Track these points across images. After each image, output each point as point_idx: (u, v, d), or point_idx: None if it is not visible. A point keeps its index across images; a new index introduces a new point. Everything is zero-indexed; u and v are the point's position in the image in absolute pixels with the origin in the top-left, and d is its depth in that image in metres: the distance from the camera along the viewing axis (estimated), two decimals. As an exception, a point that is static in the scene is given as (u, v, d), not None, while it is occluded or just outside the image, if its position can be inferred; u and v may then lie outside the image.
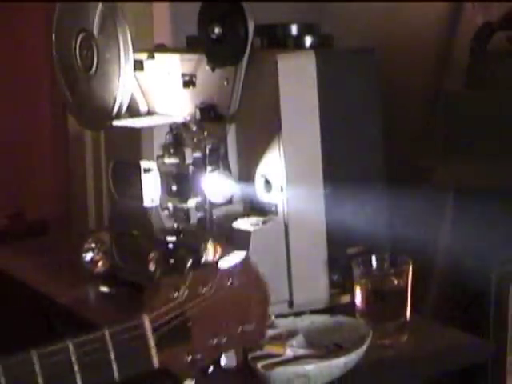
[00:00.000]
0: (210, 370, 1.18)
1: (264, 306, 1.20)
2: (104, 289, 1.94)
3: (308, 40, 1.78)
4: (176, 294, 1.14)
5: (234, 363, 1.22)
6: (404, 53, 2.27)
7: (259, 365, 1.53)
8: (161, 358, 1.12)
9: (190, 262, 1.18)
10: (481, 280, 1.86)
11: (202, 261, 1.18)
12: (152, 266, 1.43)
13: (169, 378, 1.19)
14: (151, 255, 1.47)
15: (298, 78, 1.72)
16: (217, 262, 1.18)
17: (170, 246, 1.57)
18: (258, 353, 1.55)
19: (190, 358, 1.14)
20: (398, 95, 2.09)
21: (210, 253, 1.20)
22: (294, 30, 1.81)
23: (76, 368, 1.09)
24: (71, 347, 1.10)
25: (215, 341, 1.16)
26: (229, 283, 1.17)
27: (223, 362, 1.21)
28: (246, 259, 1.24)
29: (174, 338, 1.13)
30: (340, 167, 1.75)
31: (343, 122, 1.77)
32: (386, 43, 2.00)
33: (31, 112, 2.58)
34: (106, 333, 1.10)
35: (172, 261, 1.22)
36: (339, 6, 2.35)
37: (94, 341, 1.09)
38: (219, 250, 1.21)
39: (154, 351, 1.12)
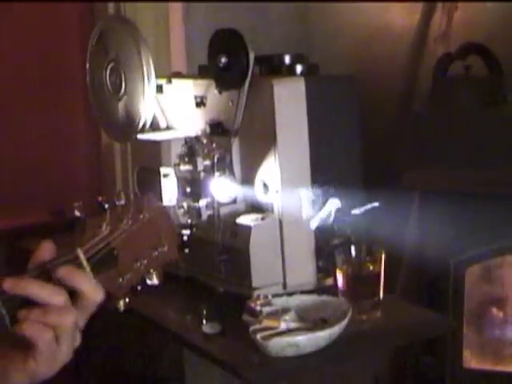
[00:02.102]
0: (139, 288, 1.15)
1: (171, 231, 1.19)
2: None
3: (298, 68, 1.78)
4: (100, 230, 1.12)
5: (156, 281, 1.18)
6: (379, 79, 2.26)
7: (258, 336, 1.55)
8: (97, 281, 1.10)
9: (107, 206, 1.16)
10: (441, 267, 1.86)
11: (118, 203, 1.16)
12: None
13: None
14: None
15: (290, 100, 1.72)
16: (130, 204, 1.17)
17: (185, 238, 1.61)
18: (258, 326, 1.57)
19: (120, 279, 1.13)
20: (374, 114, 2.08)
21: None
22: (286, 59, 1.81)
23: None
24: None
25: (138, 263, 1.14)
26: (141, 217, 1.15)
27: (148, 281, 1.17)
28: (152, 199, 1.21)
29: (104, 265, 1.11)
30: (325, 173, 1.75)
31: (328, 136, 1.76)
32: (364, 70, 2.00)
33: (71, 127, 2.56)
34: (50, 265, 1.08)
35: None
36: (324, 39, 2.33)
37: (42, 273, 1.08)
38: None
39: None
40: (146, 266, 1.15)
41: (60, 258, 1.08)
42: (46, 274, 1.08)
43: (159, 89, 1.88)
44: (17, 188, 2.49)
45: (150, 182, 1.86)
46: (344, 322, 1.56)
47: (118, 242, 1.12)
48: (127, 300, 1.14)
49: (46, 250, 1.10)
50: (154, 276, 1.17)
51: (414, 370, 1.83)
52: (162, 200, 1.36)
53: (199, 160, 1.74)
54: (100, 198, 1.15)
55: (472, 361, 1.92)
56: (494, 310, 1.97)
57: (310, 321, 1.61)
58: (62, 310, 1.06)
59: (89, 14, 2.42)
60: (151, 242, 1.15)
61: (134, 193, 1.31)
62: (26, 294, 1.05)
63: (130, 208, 1.14)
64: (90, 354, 1.87)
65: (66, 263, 1.08)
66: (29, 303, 1.06)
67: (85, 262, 1.09)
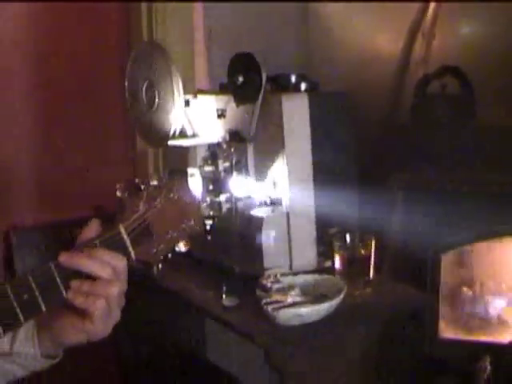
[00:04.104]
0: (169, 256, 1.15)
1: (196, 207, 1.17)
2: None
3: (302, 85, 1.79)
4: (138, 209, 1.10)
5: (183, 249, 1.19)
6: (369, 95, 2.25)
7: (269, 308, 1.56)
8: (135, 252, 1.09)
9: (143, 187, 1.13)
10: (421, 251, 1.83)
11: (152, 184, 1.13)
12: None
13: None
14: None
15: (296, 112, 1.73)
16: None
17: (208, 227, 1.61)
18: (269, 300, 1.60)
19: (154, 250, 1.12)
20: (365, 124, 2.07)
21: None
22: (292, 78, 1.81)
23: None
24: None
25: (169, 235, 1.13)
26: (171, 196, 1.13)
27: (177, 249, 1.17)
28: (180, 181, 1.19)
29: (142, 238, 1.09)
30: (324, 174, 1.76)
31: (327, 142, 1.77)
32: (357, 88, 2.00)
33: (112, 135, 2.55)
34: (97, 242, 1.06)
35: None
36: (323, 62, 2.32)
37: (91, 248, 1.07)
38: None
39: (130, 249, 1.08)
40: (176, 237, 1.14)
41: (105, 234, 1.08)
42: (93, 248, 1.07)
43: (186, 103, 1.86)
44: (66, 187, 2.46)
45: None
46: (340, 297, 1.58)
47: (152, 218, 1.11)
48: (160, 267, 1.16)
49: (93, 228, 1.09)
50: (182, 245, 1.17)
51: (398, 338, 1.77)
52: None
53: (220, 162, 1.74)
54: (136, 180, 1.15)
55: (446, 331, 1.89)
56: (465, 289, 1.94)
57: (312, 295, 1.62)
58: (109, 281, 1.05)
59: (125, 39, 2.40)
60: (180, 217, 1.14)
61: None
62: (79, 267, 1.04)
63: (162, 189, 1.13)
64: (126, 324, 1.89)
65: (110, 238, 1.07)
66: (80, 273, 1.05)
67: (126, 237, 1.08)
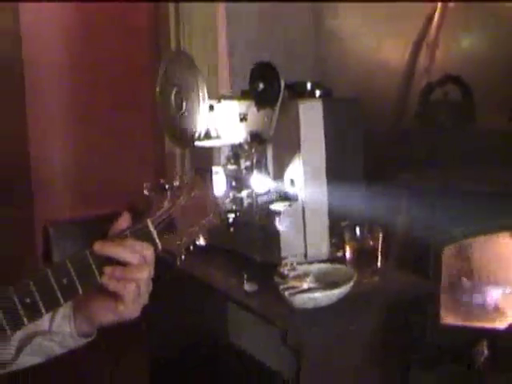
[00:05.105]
0: (191, 248, 1.16)
1: (214, 204, 1.19)
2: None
3: (317, 92, 1.79)
4: (163, 205, 1.12)
5: (203, 243, 1.18)
6: (378, 101, 2.24)
7: (286, 293, 1.58)
8: (162, 244, 1.11)
9: (167, 187, 1.15)
10: (424, 244, 1.84)
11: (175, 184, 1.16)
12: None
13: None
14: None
15: (311, 116, 1.73)
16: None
17: (230, 220, 1.63)
18: (286, 285, 1.60)
19: (178, 242, 1.13)
20: (374, 128, 2.04)
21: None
22: (308, 85, 1.81)
23: None
24: None
25: (191, 229, 1.15)
26: (192, 194, 1.15)
27: (199, 243, 1.18)
28: (200, 181, 1.22)
29: (167, 231, 1.11)
30: (336, 172, 1.75)
31: (339, 144, 1.77)
32: (366, 95, 1.99)
33: (142, 138, 2.56)
34: (127, 232, 1.08)
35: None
36: (336, 71, 2.31)
37: (122, 238, 1.08)
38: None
39: (157, 240, 1.10)
40: (197, 231, 1.16)
41: (134, 226, 1.10)
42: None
43: (211, 108, 1.86)
44: (100, 185, 2.51)
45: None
46: (350, 284, 1.59)
47: (176, 214, 1.13)
48: (183, 257, 1.16)
49: (124, 220, 1.11)
50: (202, 239, 1.18)
51: (402, 322, 1.77)
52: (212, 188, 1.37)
53: (242, 161, 1.66)
54: (162, 181, 1.16)
55: (447, 318, 1.90)
56: (465, 280, 1.96)
57: (325, 282, 1.64)
58: (139, 266, 1.08)
59: (155, 50, 2.41)
60: (200, 212, 1.17)
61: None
62: (111, 254, 1.07)
63: (184, 189, 1.15)
64: (154, 309, 1.88)
65: (139, 230, 1.10)
66: (112, 260, 1.07)
67: (152, 229, 1.10)
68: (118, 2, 2.46)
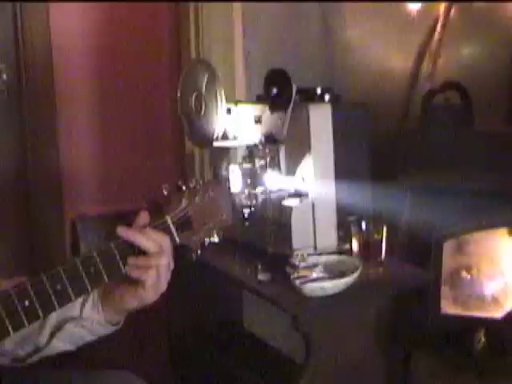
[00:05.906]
0: (207, 244, 1.17)
1: (229, 204, 1.19)
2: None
3: (327, 97, 1.78)
4: (180, 204, 1.13)
5: (217, 239, 1.19)
6: (384, 106, 2.23)
7: (297, 282, 1.58)
8: (180, 239, 1.12)
9: (184, 187, 1.16)
10: (426, 239, 1.83)
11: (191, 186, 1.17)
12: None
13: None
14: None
15: (321, 119, 1.72)
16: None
17: (246, 215, 1.58)
18: (297, 275, 1.59)
19: (194, 237, 1.14)
20: (381, 130, 2.05)
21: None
22: (318, 90, 1.79)
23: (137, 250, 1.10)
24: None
25: (206, 226, 1.15)
26: (208, 195, 1.16)
27: (213, 240, 1.19)
28: (216, 183, 1.24)
29: (184, 227, 1.12)
30: (344, 171, 1.74)
31: (347, 145, 1.75)
32: (373, 100, 1.96)
33: (164, 138, 2.56)
34: (147, 228, 1.09)
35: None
36: (345, 77, 2.30)
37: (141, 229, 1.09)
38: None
39: (175, 234, 1.11)
40: (212, 227, 1.18)
41: (154, 223, 1.12)
42: None
43: (228, 111, 1.86)
44: (124, 182, 2.48)
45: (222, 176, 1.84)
46: (356, 274, 1.58)
47: (192, 211, 1.15)
48: (199, 252, 1.18)
49: (143, 217, 1.12)
50: (216, 236, 1.20)
51: (405, 312, 1.79)
52: (229, 187, 1.38)
53: (256, 160, 1.73)
54: (179, 182, 1.17)
55: (447, 307, 1.89)
56: (464, 273, 1.95)
57: (333, 272, 1.63)
58: (159, 254, 1.10)
59: (176, 55, 2.42)
60: (215, 212, 1.18)
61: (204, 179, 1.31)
62: (134, 241, 1.09)
63: (200, 189, 1.16)
64: (174, 297, 1.85)
65: (160, 225, 1.12)
66: (133, 248, 1.09)
67: (171, 225, 1.12)
68: (141, 15, 2.49)
